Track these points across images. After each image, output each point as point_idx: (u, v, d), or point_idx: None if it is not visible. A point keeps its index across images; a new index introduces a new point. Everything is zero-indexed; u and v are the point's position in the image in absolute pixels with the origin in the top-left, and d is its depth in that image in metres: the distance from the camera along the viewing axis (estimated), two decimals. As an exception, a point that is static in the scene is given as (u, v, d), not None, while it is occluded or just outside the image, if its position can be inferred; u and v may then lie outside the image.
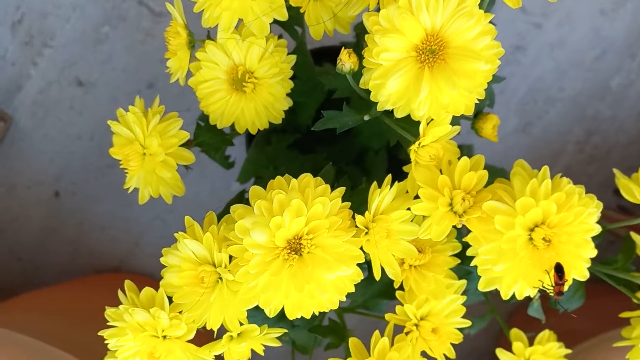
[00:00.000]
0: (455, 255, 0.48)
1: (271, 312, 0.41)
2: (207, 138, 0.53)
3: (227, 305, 0.41)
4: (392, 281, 0.51)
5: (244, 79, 0.48)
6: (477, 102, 0.43)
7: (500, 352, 0.52)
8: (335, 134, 0.74)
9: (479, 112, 0.50)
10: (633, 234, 0.49)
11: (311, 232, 0.40)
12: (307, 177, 0.42)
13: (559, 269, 0.41)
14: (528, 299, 0.59)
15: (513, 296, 0.60)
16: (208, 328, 0.43)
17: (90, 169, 0.92)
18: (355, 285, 0.52)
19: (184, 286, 0.42)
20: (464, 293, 0.61)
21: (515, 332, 0.52)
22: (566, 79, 0.94)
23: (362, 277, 0.42)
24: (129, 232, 0.94)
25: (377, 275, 0.43)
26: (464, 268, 0.51)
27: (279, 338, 0.54)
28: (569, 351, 0.52)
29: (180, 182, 0.48)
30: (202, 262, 0.42)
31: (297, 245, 0.40)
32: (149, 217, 0.92)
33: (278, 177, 0.42)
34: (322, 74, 0.52)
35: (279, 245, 0.39)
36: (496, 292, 0.60)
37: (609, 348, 0.65)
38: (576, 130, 0.95)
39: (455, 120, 0.45)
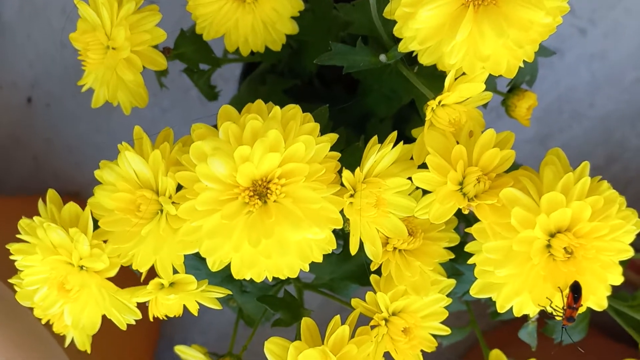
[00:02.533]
0: (449, 249, 0.39)
1: (214, 264, 0.33)
2: (190, 50, 0.44)
3: (162, 245, 0.33)
4: (367, 264, 0.43)
5: (245, -14, 0.40)
6: (521, 66, 0.35)
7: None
8: (337, 91, 0.65)
9: (515, 86, 0.42)
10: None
11: (284, 176, 0.31)
12: (294, 108, 0.33)
13: (576, 290, 0.33)
14: (515, 321, 0.51)
15: (493, 313, 0.53)
16: (134, 267, 0.34)
17: (69, 83, 0.83)
18: (324, 258, 0.44)
19: (115, 211, 0.34)
20: (448, 296, 0.53)
21: (496, 354, 0.44)
22: (599, 96, 0.86)
23: (334, 248, 0.34)
24: (96, 160, 0.85)
25: (354, 249, 0.34)
26: (455, 266, 0.43)
27: (222, 301, 0.45)
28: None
29: (144, 90, 0.40)
30: (142, 186, 0.34)
31: (263, 189, 0.31)
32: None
33: (258, 100, 0.33)
34: (340, 4, 0.43)
35: (241, 184, 0.31)
36: (476, 305, 0.52)
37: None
38: (598, 153, 0.87)
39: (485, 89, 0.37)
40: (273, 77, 0.58)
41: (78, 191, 0.87)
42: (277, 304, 0.40)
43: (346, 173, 0.33)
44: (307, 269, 0.35)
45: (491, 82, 0.42)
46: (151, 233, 0.33)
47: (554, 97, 0.85)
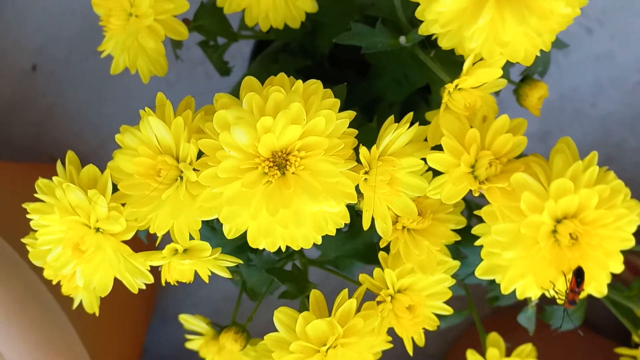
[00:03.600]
0: (455, 232, 0.41)
1: (231, 232, 0.34)
2: (209, 22, 0.44)
3: (181, 210, 0.34)
4: (373, 243, 0.44)
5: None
6: (538, 55, 0.36)
7: (471, 354, 0.45)
8: (348, 74, 0.66)
9: (528, 76, 0.43)
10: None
11: (304, 149, 0.32)
12: (315, 83, 0.34)
13: (579, 274, 0.34)
14: (508, 309, 0.53)
15: (492, 298, 0.54)
16: (151, 231, 0.35)
17: (76, 50, 0.83)
18: (331, 236, 0.45)
19: (135, 175, 0.35)
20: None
21: (493, 337, 0.45)
22: (602, 97, 0.87)
23: (347, 222, 0.35)
24: (98, 129, 0.86)
25: (366, 224, 0.35)
26: (459, 249, 0.44)
27: (230, 271, 0.46)
28: (546, 375, 0.46)
29: (164, 59, 0.40)
30: (163, 152, 0.34)
31: (283, 160, 0.32)
32: (123, 118, 0.84)
33: (281, 74, 0.34)
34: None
35: (262, 154, 0.32)
36: (477, 291, 0.54)
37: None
38: (596, 149, 0.88)
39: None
40: (286, 56, 0.59)
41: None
42: (285, 276, 0.41)
43: (363, 149, 0.34)
44: (319, 241, 0.35)
45: (505, 71, 0.43)
46: (170, 198, 0.34)
47: (557, 95, 0.86)
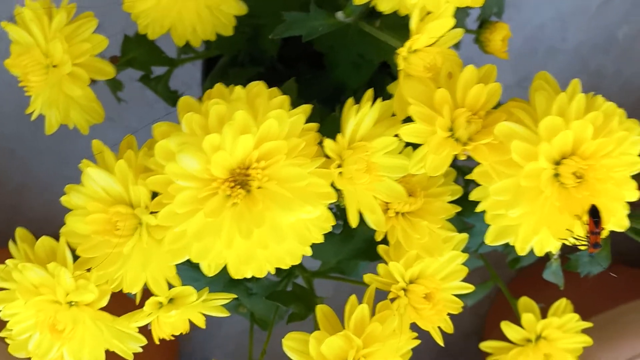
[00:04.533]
0: (454, 203, 0.37)
1: (210, 269, 0.30)
2: (138, 54, 0.41)
3: (150, 259, 0.30)
4: (373, 237, 0.40)
5: (182, -29, 0.37)
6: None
7: (506, 326, 0.41)
8: (303, 70, 0.63)
9: (485, 20, 0.39)
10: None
11: (263, 158, 0.29)
12: (258, 85, 0.31)
13: (594, 214, 0.31)
14: (530, 267, 0.49)
15: (512, 261, 0.50)
16: (125, 290, 0.32)
17: (23, 122, 0.80)
18: (327, 241, 0.41)
19: (92, 235, 0.31)
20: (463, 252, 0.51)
21: (525, 302, 0.42)
22: (569, 28, 0.84)
23: (333, 225, 0.31)
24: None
25: (353, 222, 0.32)
26: (464, 220, 0.40)
27: (231, 308, 0.43)
28: (589, 324, 0.42)
29: (97, 104, 0.37)
30: (115, 202, 0.31)
31: (244, 176, 0.29)
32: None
33: (218, 84, 0.31)
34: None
35: (218, 175, 0.28)
36: (494, 257, 0.50)
37: (624, 322, 0.55)
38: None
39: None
40: (235, 69, 0.55)
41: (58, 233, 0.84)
42: (287, 299, 0.38)
43: (328, 142, 0.31)
44: (309, 252, 0.32)
45: (460, 21, 0.40)
46: (135, 249, 0.30)
47: (524, 38, 0.83)
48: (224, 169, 0.28)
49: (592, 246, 0.31)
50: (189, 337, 0.79)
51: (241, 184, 0.29)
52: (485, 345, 0.42)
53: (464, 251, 0.38)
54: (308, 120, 0.38)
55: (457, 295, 0.43)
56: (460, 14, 0.40)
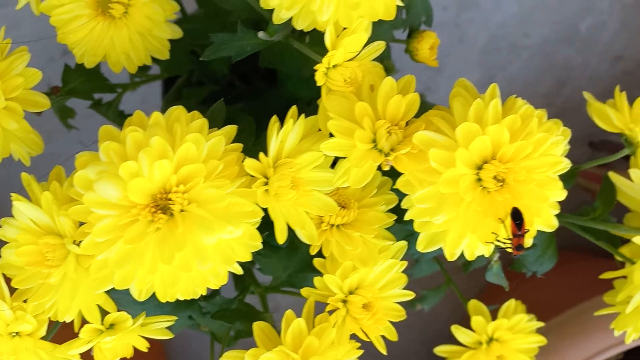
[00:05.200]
0: (392, 211, 0.38)
1: (139, 293, 0.31)
2: (80, 83, 0.42)
3: (78, 288, 0.31)
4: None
5: (111, 0, 0.38)
6: (405, 10, 0.33)
7: (456, 330, 0.42)
8: (260, 86, 0.63)
9: (414, 30, 0.40)
10: (611, 174, 0.40)
11: (183, 182, 0.29)
12: (177, 110, 0.31)
13: (516, 216, 0.31)
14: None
15: (464, 265, 0.51)
16: (60, 319, 0.32)
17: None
18: (275, 256, 0.42)
19: (25, 266, 0.32)
20: (417, 260, 0.51)
21: (474, 304, 0.42)
22: (531, 24, 0.84)
23: (260, 241, 0.32)
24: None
25: (280, 239, 0.32)
26: (406, 228, 0.41)
27: (192, 327, 0.43)
28: (540, 324, 0.42)
29: (36, 136, 0.37)
30: (46, 233, 0.31)
31: (165, 201, 0.29)
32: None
33: (137, 112, 0.31)
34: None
35: (138, 202, 0.29)
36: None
37: (589, 318, 0.56)
38: (545, 80, 0.86)
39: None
40: (187, 90, 0.56)
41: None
42: (232, 317, 0.38)
43: (249, 162, 0.31)
44: (239, 270, 0.33)
45: (388, 33, 0.41)
46: (65, 279, 0.31)
47: (487, 36, 0.83)
48: (144, 195, 0.29)
49: (515, 248, 0.31)
50: (175, 356, 0.80)
51: (163, 208, 0.29)
52: (439, 350, 0.42)
53: (407, 257, 0.38)
54: (247, 139, 0.38)
55: (413, 301, 0.43)
56: (389, 26, 0.41)
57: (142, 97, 0.76)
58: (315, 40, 0.39)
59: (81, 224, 0.31)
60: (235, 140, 0.32)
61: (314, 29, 0.39)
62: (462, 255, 0.45)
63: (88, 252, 0.29)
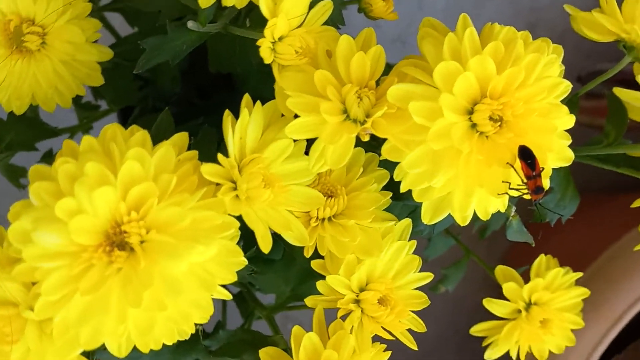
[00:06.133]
0: (387, 188, 0.33)
1: (119, 349, 0.26)
2: (17, 135, 0.37)
3: (45, 357, 0.26)
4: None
5: (23, 32, 0.33)
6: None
7: (489, 303, 0.37)
8: (221, 96, 0.59)
9: (362, -15, 0.36)
10: (617, 89, 0.35)
11: (135, 208, 0.25)
12: (111, 127, 0.27)
13: (525, 155, 0.27)
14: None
15: (480, 231, 0.46)
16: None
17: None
18: (271, 271, 0.37)
19: (-17, 348, 0.27)
20: (429, 240, 0.46)
21: (501, 270, 0.38)
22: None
23: (242, 256, 0.27)
24: None
25: (264, 247, 0.28)
26: (407, 204, 0.36)
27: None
28: (578, 274, 0.38)
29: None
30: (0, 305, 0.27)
31: (120, 235, 0.25)
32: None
33: (66, 141, 0.27)
34: None
35: (88, 243, 0.24)
36: (467, 228, 0.46)
37: (628, 256, 0.51)
38: (516, 27, 0.82)
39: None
40: (145, 119, 0.52)
41: None
42: (237, 349, 0.34)
43: (206, 167, 0.27)
44: (228, 296, 0.28)
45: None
46: (30, 354, 0.26)
47: (446, -3, 0.80)
48: (92, 233, 0.24)
49: (533, 192, 0.27)
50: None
51: (120, 244, 0.25)
52: (476, 329, 0.38)
53: (415, 236, 0.34)
54: (209, 149, 0.34)
55: (435, 285, 0.38)
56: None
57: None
58: (257, 20, 0.35)
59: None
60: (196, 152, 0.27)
61: (254, 10, 0.34)
62: (477, 221, 0.40)
63: (44, 316, 0.24)
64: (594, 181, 0.64)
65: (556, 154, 0.28)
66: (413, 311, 0.32)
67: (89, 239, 0.24)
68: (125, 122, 0.58)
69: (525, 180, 0.27)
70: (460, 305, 0.77)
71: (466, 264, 0.42)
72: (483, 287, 0.75)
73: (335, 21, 0.38)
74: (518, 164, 0.27)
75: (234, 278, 0.27)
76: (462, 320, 0.81)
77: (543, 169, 0.27)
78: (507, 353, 0.38)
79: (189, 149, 0.29)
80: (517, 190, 0.27)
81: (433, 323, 0.75)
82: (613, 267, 0.51)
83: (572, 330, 0.39)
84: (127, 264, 0.25)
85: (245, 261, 0.28)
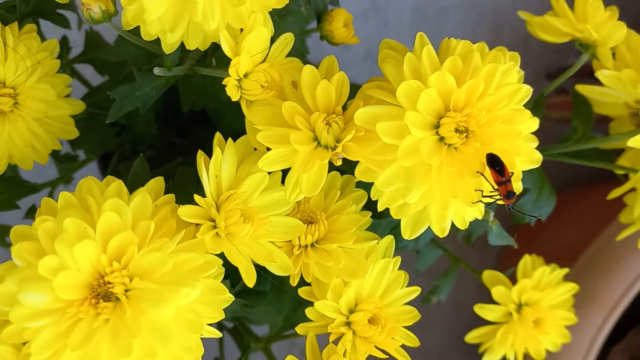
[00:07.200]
0: (366, 208, 0.33)
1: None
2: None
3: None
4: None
5: (-7, 94, 0.34)
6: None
7: (480, 309, 0.37)
8: (200, 133, 0.60)
9: (320, 13, 0.36)
10: (579, 86, 0.36)
11: (116, 259, 0.25)
12: (86, 181, 0.27)
13: (493, 162, 0.27)
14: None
15: (465, 238, 0.46)
16: None
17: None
18: (262, 302, 0.37)
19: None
20: (417, 252, 0.47)
21: (488, 275, 0.38)
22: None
23: (227, 293, 0.27)
24: None
25: (249, 282, 0.28)
26: (389, 220, 0.37)
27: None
28: (564, 270, 0.38)
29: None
30: (-10, 371, 0.27)
31: (104, 287, 0.25)
32: None
33: (44, 199, 0.27)
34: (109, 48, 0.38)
35: (73, 298, 0.25)
36: (454, 237, 0.46)
37: (614, 246, 0.52)
38: (481, 32, 0.83)
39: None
40: (125, 165, 0.52)
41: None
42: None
43: (184, 209, 0.27)
44: (219, 334, 0.28)
45: (297, 26, 0.37)
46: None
47: (410, 11, 0.81)
48: (77, 288, 0.25)
49: (505, 197, 0.27)
50: None
51: (105, 296, 0.25)
52: (471, 337, 0.38)
53: (399, 252, 0.34)
54: (187, 189, 0.34)
55: (428, 296, 0.39)
56: (301, 21, 0.38)
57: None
58: (223, 58, 0.35)
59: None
60: (174, 193, 0.28)
61: (219, 49, 0.35)
62: (459, 230, 0.41)
63: (37, 377, 0.24)
64: (574, 176, 0.65)
65: (524, 157, 0.29)
66: (416, 324, 0.32)
67: (74, 293, 0.25)
68: (106, 168, 0.58)
69: (496, 187, 0.27)
70: (463, 313, 0.77)
71: (456, 272, 0.42)
72: (486, 292, 0.76)
73: (301, 50, 0.39)
74: (488, 171, 0.27)
75: (221, 316, 0.27)
76: (467, 327, 0.81)
77: (512, 173, 0.28)
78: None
79: (167, 190, 0.29)
80: (490, 197, 0.28)
81: (436, 333, 0.75)
82: (602, 258, 0.52)
83: (570, 326, 0.39)
84: (114, 314, 0.25)
85: (231, 297, 0.28)
